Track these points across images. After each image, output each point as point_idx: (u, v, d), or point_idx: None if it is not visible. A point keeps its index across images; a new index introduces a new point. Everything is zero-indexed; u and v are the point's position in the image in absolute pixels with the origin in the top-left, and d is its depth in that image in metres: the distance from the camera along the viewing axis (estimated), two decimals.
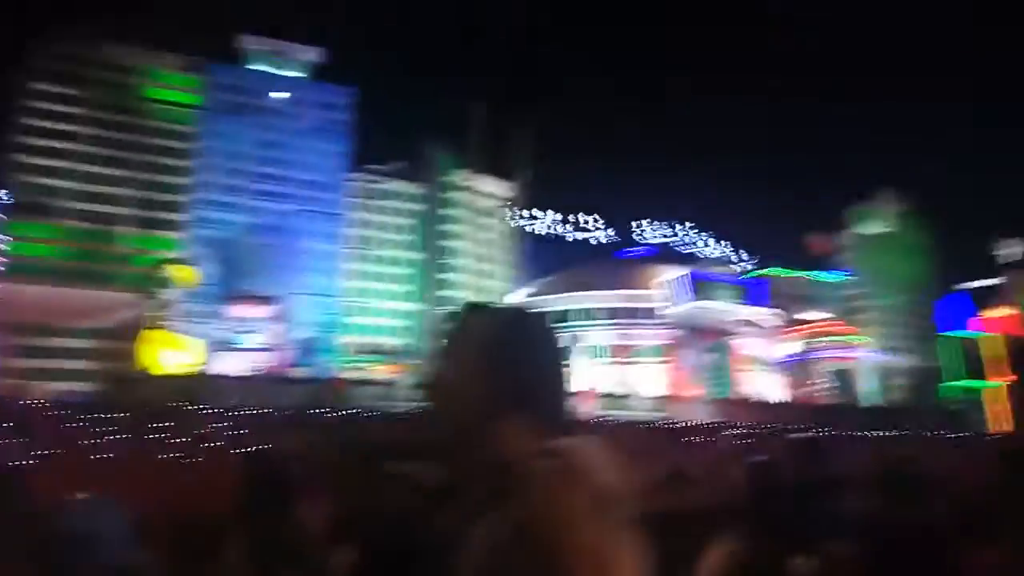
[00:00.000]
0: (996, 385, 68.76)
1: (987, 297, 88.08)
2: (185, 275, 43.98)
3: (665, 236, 70.08)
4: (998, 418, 55.93)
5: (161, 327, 36.89)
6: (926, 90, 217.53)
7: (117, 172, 62.03)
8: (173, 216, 63.18)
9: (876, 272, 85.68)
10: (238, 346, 46.70)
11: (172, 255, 54.54)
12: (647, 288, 61.19)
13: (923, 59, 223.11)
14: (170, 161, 64.30)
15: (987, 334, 78.99)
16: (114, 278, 56.30)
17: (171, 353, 34.17)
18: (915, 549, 3.28)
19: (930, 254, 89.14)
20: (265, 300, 50.54)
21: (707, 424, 17.50)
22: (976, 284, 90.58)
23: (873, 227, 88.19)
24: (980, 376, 71.42)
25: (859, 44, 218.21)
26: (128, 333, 35.71)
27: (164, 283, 42.32)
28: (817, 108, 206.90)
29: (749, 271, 68.47)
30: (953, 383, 71.90)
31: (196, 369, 33.03)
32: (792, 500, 4.58)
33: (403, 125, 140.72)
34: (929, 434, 13.30)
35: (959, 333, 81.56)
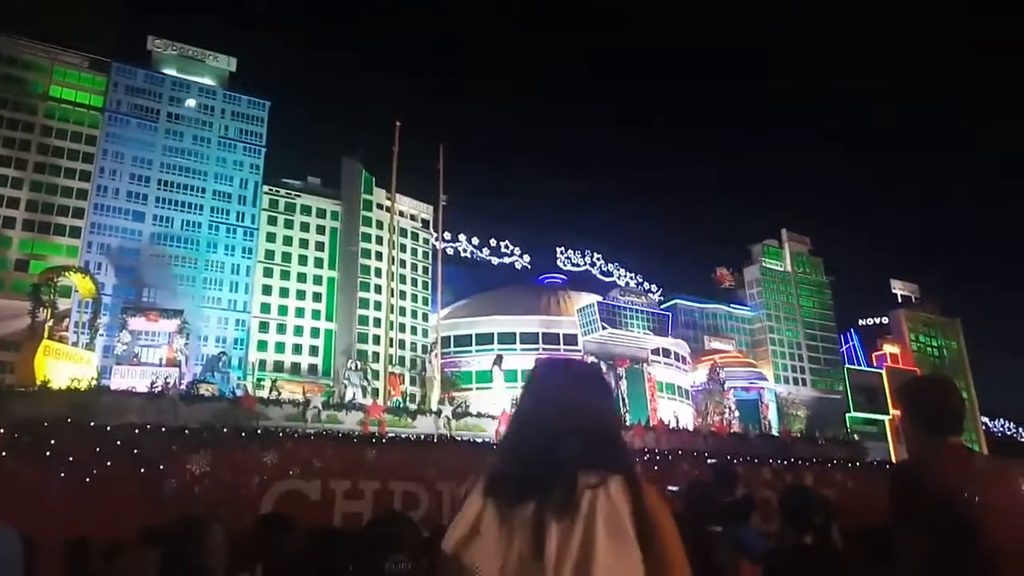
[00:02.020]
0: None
1: (883, 333, 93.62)
2: (83, 284, 41.68)
3: (580, 265, 71.32)
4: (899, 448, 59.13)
5: (56, 338, 34.78)
6: (827, 139, 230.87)
7: (12, 172, 58.62)
8: (72, 222, 60.05)
9: (779, 307, 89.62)
10: (139, 360, 44.54)
11: (70, 262, 51.71)
12: (564, 314, 62.08)
13: (826, 108, 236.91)
14: (70, 164, 61.21)
15: (886, 368, 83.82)
16: (6, 285, 52.94)
17: (66, 366, 32.23)
18: (814, 570, 3.43)
19: (830, 291, 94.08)
20: (169, 313, 48.43)
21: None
22: (873, 321, 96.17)
23: (776, 264, 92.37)
24: (883, 408, 75.57)
25: (765, 91, 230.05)
26: (20, 343, 33.51)
27: (60, 292, 39.99)
28: (726, 150, 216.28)
29: (658, 301, 70.36)
30: (856, 414, 75.77)
31: (93, 384, 31.26)
32: (705, 524, 4.74)
33: (320, 141, 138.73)
34: (830, 463, 13.93)
35: (862, 367, 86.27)
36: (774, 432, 56.95)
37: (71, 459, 8.63)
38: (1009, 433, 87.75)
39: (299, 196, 70.81)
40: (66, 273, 41.19)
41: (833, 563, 3.86)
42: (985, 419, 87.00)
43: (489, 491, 1.95)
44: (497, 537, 1.85)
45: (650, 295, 68.10)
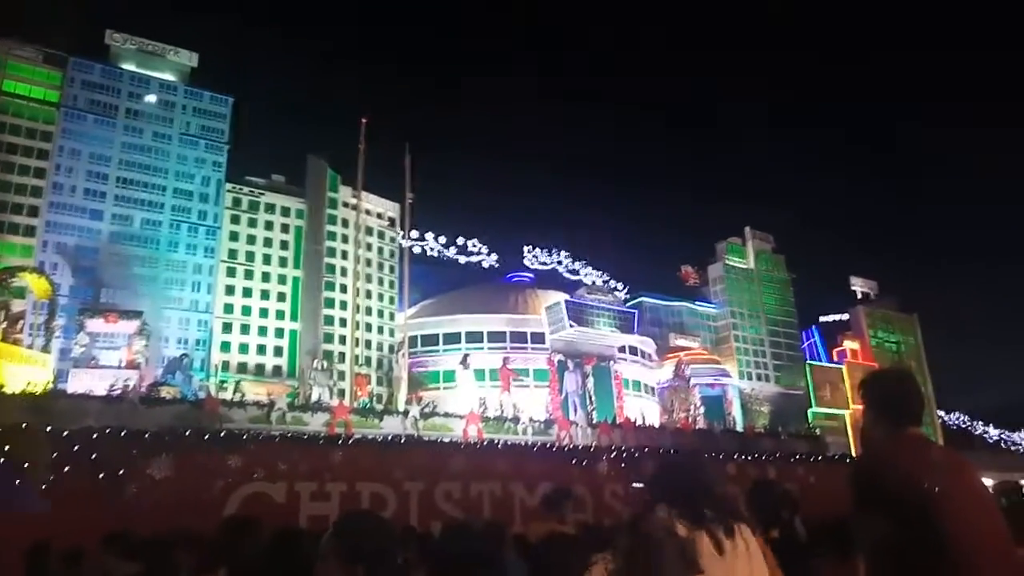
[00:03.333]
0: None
1: (843, 329, 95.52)
2: (38, 285, 40.62)
3: (547, 263, 71.50)
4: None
5: (10, 341, 33.83)
6: (791, 139, 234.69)
7: None
8: (27, 220, 58.48)
9: (743, 304, 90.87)
10: (97, 363, 43.50)
11: (25, 263, 50.36)
12: (532, 313, 62.17)
13: (789, 107, 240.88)
14: (24, 160, 59.59)
15: (846, 364, 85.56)
16: None
17: (21, 369, 31.37)
18: (780, 563, 3.48)
19: (792, 288, 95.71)
20: (129, 314, 47.38)
21: (590, 447, 17.90)
22: (833, 318, 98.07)
23: (740, 261, 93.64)
24: (844, 403, 77.06)
25: (728, 90, 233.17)
26: None
27: (14, 293, 38.91)
28: (691, 147, 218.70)
29: (624, 299, 70.86)
30: (818, 409, 77.19)
31: (49, 387, 30.47)
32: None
33: (284, 138, 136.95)
34: (793, 457, 14.16)
35: (822, 362, 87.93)
36: (738, 428, 57.76)
37: (27, 465, 8.41)
38: (964, 426, 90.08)
39: (263, 194, 69.84)
40: (20, 274, 40.14)
41: (798, 555, 3.93)
42: (941, 412, 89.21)
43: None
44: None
45: (616, 293, 68.46)
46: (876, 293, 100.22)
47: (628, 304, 70.15)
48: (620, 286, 73.65)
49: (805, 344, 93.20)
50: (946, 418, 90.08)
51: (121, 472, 8.96)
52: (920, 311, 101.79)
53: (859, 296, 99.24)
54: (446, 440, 18.48)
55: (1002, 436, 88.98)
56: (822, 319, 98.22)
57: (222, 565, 2.54)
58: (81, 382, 37.67)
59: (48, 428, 10.01)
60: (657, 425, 48.07)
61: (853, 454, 41.50)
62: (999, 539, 2.64)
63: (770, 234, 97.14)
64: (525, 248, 72.55)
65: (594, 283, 66.98)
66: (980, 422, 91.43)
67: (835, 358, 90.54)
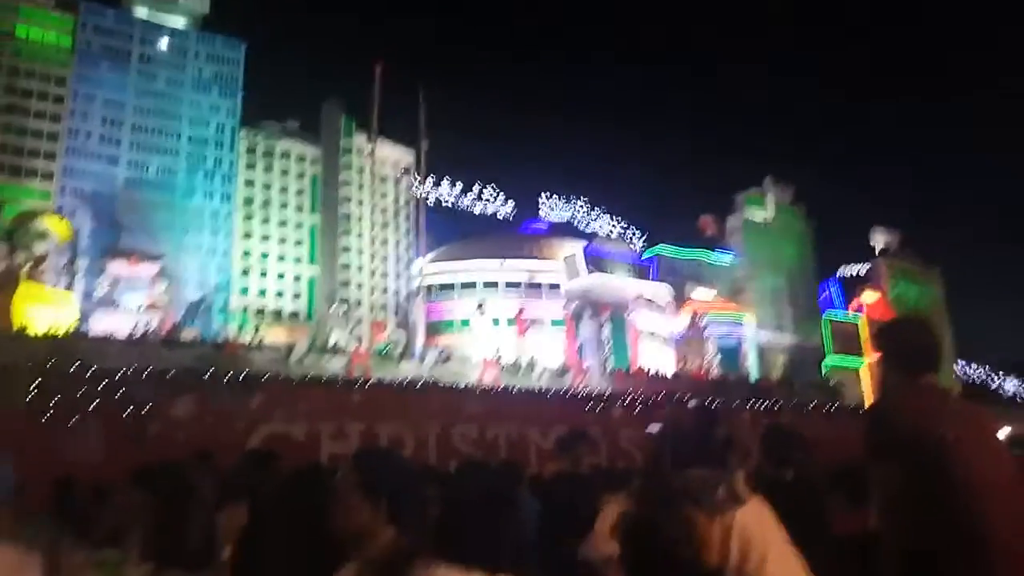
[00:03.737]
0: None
1: (863, 282, 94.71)
2: (59, 228, 41.05)
3: (564, 211, 71.06)
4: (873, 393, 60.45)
5: (34, 283, 34.37)
6: (809, 86, 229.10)
7: None
8: (45, 165, 58.68)
9: (761, 255, 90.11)
10: (119, 306, 44.21)
11: (44, 206, 50.82)
12: (548, 261, 62.15)
13: (810, 56, 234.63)
14: (40, 105, 59.47)
15: (864, 316, 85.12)
16: None
17: (46, 310, 31.95)
18: (790, 506, 3.49)
19: (812, 240, 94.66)
20: (148, 258, 47.92)
21: (604, 393, 18.08)
22: (853, 269, 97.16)
23: (759, 212, 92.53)
24: (860, 354, 76.91)
25: (750, 38, 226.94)
26: None
27: (36, 236, 39.36)
28: (709, 96, 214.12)
29: (641, 249, 70.55)
30: (833, 361, 77.12)
31: (74, 327, 31.05)
32: (685, 462, 4.83)
33: (298, 84, 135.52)
34: (807, 407, 14.23)
35: (840, 314, 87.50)
36: (753, 377, 58.00)
37: (54, 402, 8.63)
38: (982, 380, 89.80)
39: (278, 140, 69.53)
40: (41, 217, 40.54)
41: (811, 498, 3.97)
42: (959, 365, 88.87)
43: None
44: None
45: (634, 242, 68.22)
46: (898, 245, 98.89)
47: (645, 254, 69.90)
48: (638, 236, 73.25)
49: (823, 296, 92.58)
50: (964, 371, 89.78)
51: (145, 411, 9.17)
52: (943, 264, 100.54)
53: (881, 248, 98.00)
54: (462, 385, 18.72)
55: (1018, 390, 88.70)
56: (841, 271, 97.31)
57: (244, 496, 2.61)
58: (104, 323, 38.39)
59: (73, 368, 10.22)
60: (671, 374, 48.33)
61: (867, 405, 41.65)
62: (1010, 488, 2.65)
63: (791, 184, 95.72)
64: (542, 196, 72.13)
65: (611, 232, 66.64)
66: (999, 375, 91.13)
67: (853, 310, 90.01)
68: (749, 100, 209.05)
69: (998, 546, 2.44)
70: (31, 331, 26.89)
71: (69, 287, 39.85)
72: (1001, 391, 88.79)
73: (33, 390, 8.77)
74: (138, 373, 10.15)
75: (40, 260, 37.91)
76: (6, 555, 1.97)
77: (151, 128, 63.92)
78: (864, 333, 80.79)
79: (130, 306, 44.19)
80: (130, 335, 30.99)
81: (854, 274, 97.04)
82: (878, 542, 2.68)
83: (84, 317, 41.02)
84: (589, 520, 3.82)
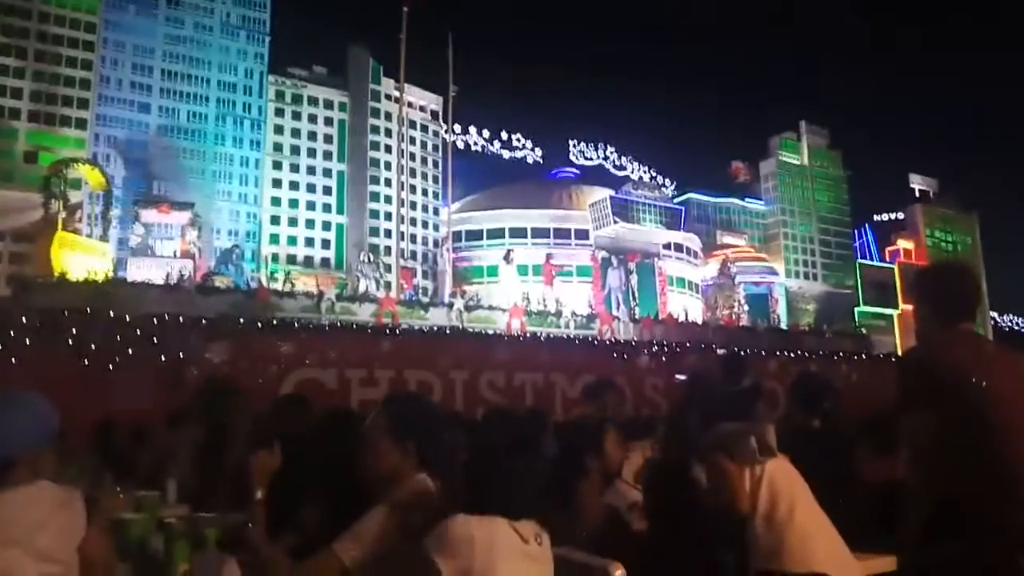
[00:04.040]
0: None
1: (898, 229, 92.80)
2: (93, 176, 41.54)
3: (593, 158, 70.12)
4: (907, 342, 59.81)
5: (70, 230, 35.02)
6: (846, 32, 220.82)
7: (13, 62, 57.31)
8: (77, 113, 59.15)
9: (794, 201, 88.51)
10: (153, 253, 44.97)
11: (78, 154, 51.40)
12: (576, 209, 61.66)
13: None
14: (71, 52, 59.63)
15: (898, 263, 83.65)
16: (16, 177, 52.83)
17: (82, 258, 32.61)
18: (818, 455, 3.51)
19: (847, 186, 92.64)
20: (181, 205, 48.47)
21: (631, 341, 18.11)
22: (888, 216, 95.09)
23: (793, 158, 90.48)
24: (893, 303, 75.87)
25: None
26: (35, 235, 33.72)
27: (71, 184, 39.93)
28: (743, 40, 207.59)
29: (671, 195, 69.58)
30: (866, 308, 76.17)
31: (110, 275, 31.71)
32: (712, 411, 4.84)
33: (325, 29, 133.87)
34: (836, 355, 14.11)
35: (874, 262, 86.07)
36: (782, 325, 57.58)
37: (93, 347, 8.87)
38: (1017, 328, 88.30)
39: (305, 86, 69.13)
40: (75, 165, 41.02)
41: (839, 446, 3.96)
42: (994, 314, 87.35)
43: None
44: None
45: (663, 189, 67.23)
46: (936, 191, 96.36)
47: (675, 200, 69.00)
48: (668, 182, 72.23)
49: (857, 243, 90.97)
50: (998, 319, 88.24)
51: (181, 356, 9.36)
52: (982, 210, 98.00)
53: (918, 194, 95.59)
54: (490, 332, 18.87)
55: None
56: (876, 218, 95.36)
57: (276, 439, 2.67)
58: (139, 271, 39.14)
59: (111, 313, 10.43)
60: (700, 322, 48.15)
61: (899, 353, 41.21)
62: None
63: (826, 129, 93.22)
64: (570, 143, 71.15)
65: (641, 179, 65.79)
66: None
67: (887, 257, 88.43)
68: (784, 43, 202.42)
69: None
70: (70, 278, 27.52)
71: (104, 236, 40.51)
72: None
73: (74, 334, 8.98)
74: (174, 319, 10.34)
75: (75, 208, 38.51)
76: (50, 493, 2.05)
77: (181, 74, 64.00)
78: (898, 281, 79.49)
79: (164, 253, 44.92)
80: (166, 282, 31.58)
81: (890, 219, 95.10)
82: (906, 490, 2.67)
83: (120, 264, 41.86)
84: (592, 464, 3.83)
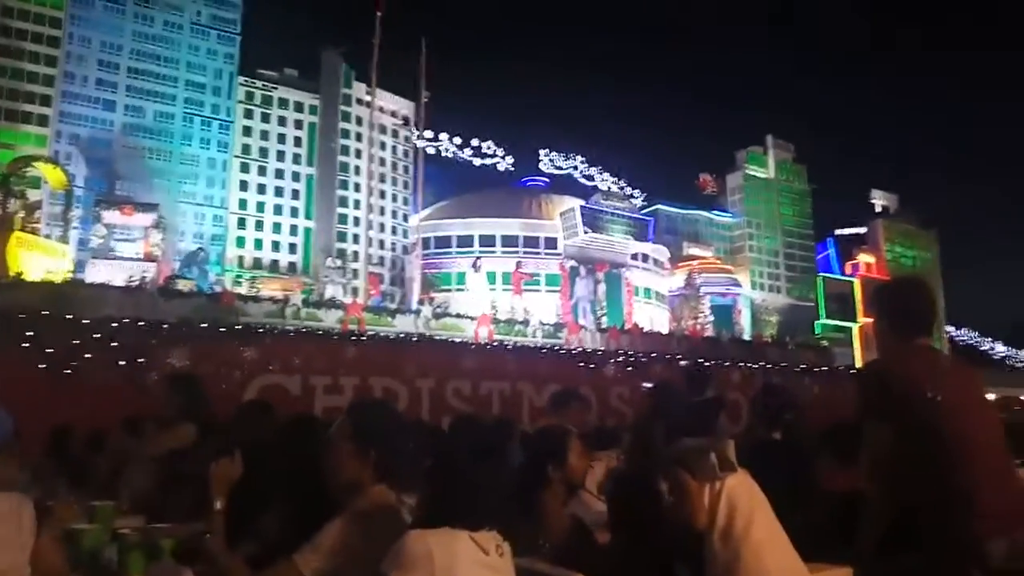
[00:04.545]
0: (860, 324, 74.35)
1: (860, 243, 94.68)
2: (53, 175, 40.61)
3: (563, 168, 70.41)
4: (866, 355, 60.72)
5: (28, 230, 34.14)
6: (814, 47, 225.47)
7: None
8: (40, 109, 57.83)
9: (760, 214, 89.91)
10: (115, 255, 44.00)
11: (39, 152, 50.23)
12: (546, 218, 61.88)
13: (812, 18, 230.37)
14: (35, 47, 58.33)
15: (859, 277, 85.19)
16: None
17: (40, 258, 31.80)
18: (780, 466, 3.55)
19: (811, 200, 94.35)
20: (145, 207, 47.55)
21: (598, 351, 18.20)
22: (850, 231, 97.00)
23: (760, 171, 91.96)
24: (853, 316, 77.15)
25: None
26: None
27: (30, 182, 38.98)
28: (712, 53, 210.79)
29: (640, 206, 70.19)
30: (826, 321, 77.39)
31: (69, 277, 30.97)
32: (676, 423, 4.88)
33: (297, 31, 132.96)
34: (799, 367, 14.33)
35: (835, 275, 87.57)
36: (746, 337, 58.31)
37: (50, 350, 8.64)
38: (972, 342, 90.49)
39: (276, 88, 68.48)
40: (35, 163, 40.07)
41: (800, 457, 4.01)
42: (951, 328, 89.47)
43: None
44: None
45: (632, 200, 67.76)
46: (897, 207, 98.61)
47: (644, 212, 69.57)
48: (637, 193, 72.71)
49: (820, 256, 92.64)
50: (955, 333, 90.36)
51: (141, 360, 9.17)
52: (940, 227, 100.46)
53: (879, 209, 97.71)
54: (457, 340, 18.80)
55: (1009, 354, 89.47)
56: (839, 232, 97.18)
57: (237, 447, 2.62)
58: (99, 273, 38.25)
59: (69, 316, 10.19)
60: (666, 332, 48.55)
61: (858, 366, 41.96)
62: (997, 451, 2.69)
63: (792, 144, 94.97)
64: (541, 152, 71.35)
65: (610, 189, 66.16)
66: (988, 339, 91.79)
67: (848, 271, 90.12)
68: (750, 62, 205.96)
69: (982, 503, 2.49)
70: (27, 279, 26.81)
71: (64, 236, 39.59)
72: (992, 353, 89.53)
73: (30, 337, 8.75)
74: (135, 322, 10.14)
75: (34, 207, 37.56)
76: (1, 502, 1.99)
77: (148, 72, 62.94)
78: (858, 294, 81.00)
79: (126, 255, 44.01)
80: (127, 284, 30.94)
81: (852, 233, 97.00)
82: (866, 501, 2.72)
83: (80, 265, 40.91)
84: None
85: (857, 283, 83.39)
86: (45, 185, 43.39)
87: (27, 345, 8.63)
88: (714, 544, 2.79)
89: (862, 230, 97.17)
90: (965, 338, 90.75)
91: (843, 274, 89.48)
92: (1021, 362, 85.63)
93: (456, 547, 2.07)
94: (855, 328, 76.97)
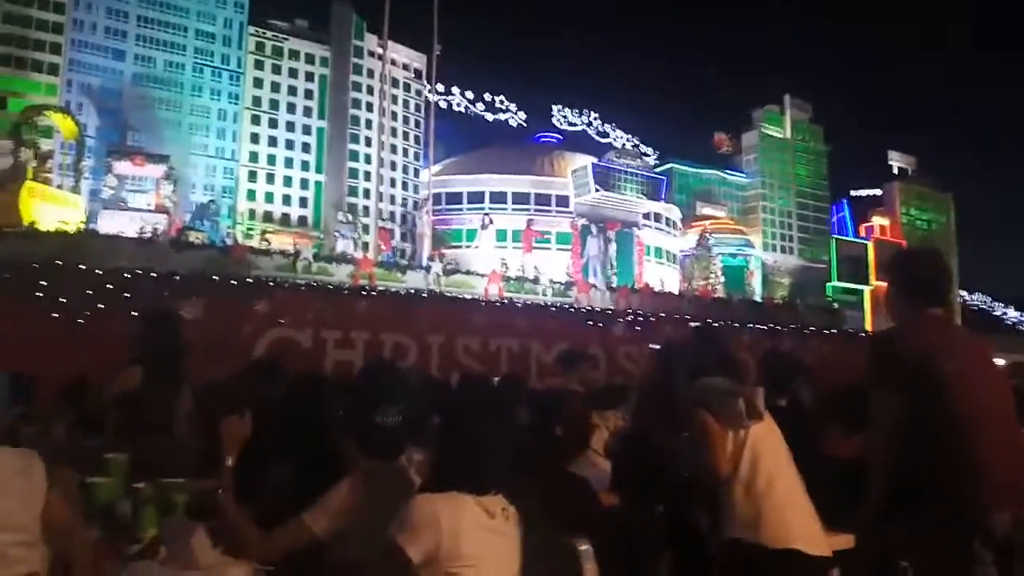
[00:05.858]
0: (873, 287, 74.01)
1: (875, 205, 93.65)
2: (65, 124, 40.48)
3: (576, 124, 69.60)
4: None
5: (40, 180, 34.18)
6: (834, 5, 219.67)
7: None
8: (50, 58, 57.37)
9: (775, 174, 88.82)
10: (126, 206, 44.10)
11: (50, 101, 50.02)
12: (558, 175, 61.37)
13: None
14: None
15: (873, 240, 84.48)
16: None
17: (52, 208, 31.92)
18: (785, 432, 3.54)
19: (827, 161, 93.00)
20: (156, 158, 47.49)
21: (608, 310, 18.23)
22: (866, 192, 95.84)
23: (776, 131, 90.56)
24: (865, 279, 76.78)
25: None
26: (3, 184, 32.86)
27: (41, 131, 38.89)
28: (730, 11, 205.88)
29: (653, 165, 69.46)
30: (838, 283, 77.03)
31: (82, 226, 31.12)
32: (700, 359, 4.87)
33: None
34: (808, 329, 14.29)
35: (848, 238, 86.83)
36: (757, 298, 58.20)
37: (63, 300, 8.70)
38: (985, 307, 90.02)
39: (287, 39, 67.54)
40: (46, 113, 39.94)
41: (806, 424, 4.02)
42: (963, 293, 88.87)
43: None
44: None
45: (645, 158, 67.02)
46: (914, 169, 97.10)
47: (657, 170, 68.90)
48: (650, 151, 71.99)
49: (834, 218, 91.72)
50: (968, 299, 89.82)
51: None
52: (957, 190, 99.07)
53: (896, 172, 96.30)
54: (467, 297, 18.83)
55: (1021, 319, 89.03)
56: (854, 193, 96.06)
57: (247, 405, 2.65)
58: (111, 223, 38.44)
59: (82, 266, 10.22)
60: (676, 292, 48.50)
61: (869, 329, 41.87)
62: (1008, 423, 2.68)
63: (809, 103, 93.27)
64: (554, 107, 70.51)
65: (624, 146, 65.50)
66: (1001, 304, 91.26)
67: (863, 233, 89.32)
68: (769, 19, 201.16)
69: (990, 475, 2.49)
70: (39, 228, 26.97)
71: (75, 186, 39.63)
72: (1005, 318, 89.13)
73: (44, 287, 8.80)
74: (147, 273, 10.17)
75: (46, 157, 37.54)
76: (7, 459, 2.00)
77: (158, 21, 62.18)
78: (871, 257, 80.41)
79: (137, 206, 44.11)
80: (139, 236, 31.08)
81: (867, 195, 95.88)
82: (870, 468, 2.73)
83: (92, 216, 41.06)
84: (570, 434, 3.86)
85: (871, 246, 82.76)
86: (57, 135, 43.31)
87: (40, 295, 8.69)
88: (735, 496, 2.71)
89: (878, 192, 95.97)
90: (978, 303, 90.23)
91: (857, 236, 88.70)
92: None
93: (462, 511, 2.09)
94: (867, 291, 76.68)
